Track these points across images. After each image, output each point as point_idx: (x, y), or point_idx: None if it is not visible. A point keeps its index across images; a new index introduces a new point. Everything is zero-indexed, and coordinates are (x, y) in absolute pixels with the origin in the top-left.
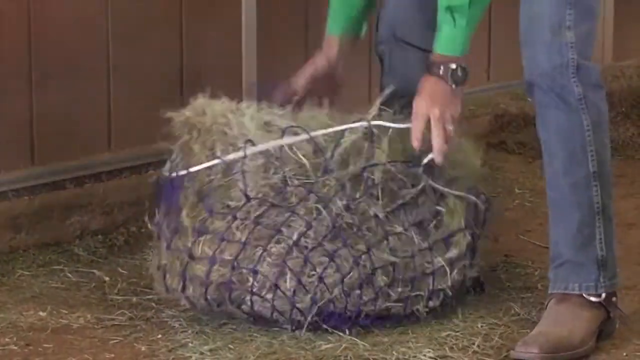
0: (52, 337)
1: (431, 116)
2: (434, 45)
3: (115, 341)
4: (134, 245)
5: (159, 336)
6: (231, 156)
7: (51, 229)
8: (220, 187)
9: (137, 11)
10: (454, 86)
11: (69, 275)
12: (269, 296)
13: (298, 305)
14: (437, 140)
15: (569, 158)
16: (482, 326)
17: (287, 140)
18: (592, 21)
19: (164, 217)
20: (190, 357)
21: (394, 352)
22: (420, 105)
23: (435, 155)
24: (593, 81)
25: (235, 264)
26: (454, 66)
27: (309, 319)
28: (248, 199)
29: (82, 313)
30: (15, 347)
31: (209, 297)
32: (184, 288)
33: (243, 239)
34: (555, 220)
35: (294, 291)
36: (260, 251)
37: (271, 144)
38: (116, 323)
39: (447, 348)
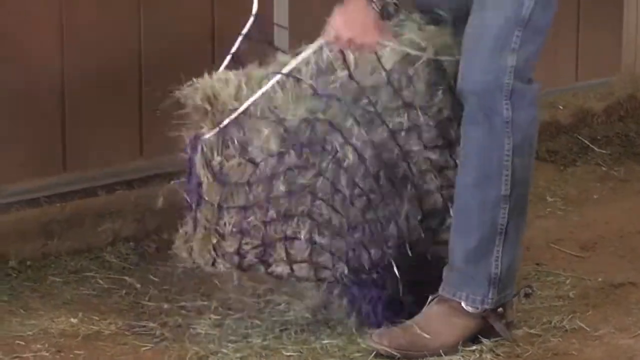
0: (84, 344)
1: (341, 40)
2: None
3: (146, 348)
4: (165, 253)
5: (190, 343)
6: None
7: (83, 235)
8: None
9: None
10: (371, 8)
11: (101, 282)
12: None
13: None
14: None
15: (482, 178)
16: (513, 333)
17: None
18: (540, 41)
19: (189, 186)
20: None
21: None
22: (336, 26)
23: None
24: (526, 103)
25: (263, 241)
26: (392, 1)
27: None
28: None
29: (114, 320)
30: (47, 354)
31: (243, 267)
32: (214, 262)
33: (266, 218)
34: (457, 230)
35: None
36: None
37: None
38: (147, 330)
39: (478, 354)
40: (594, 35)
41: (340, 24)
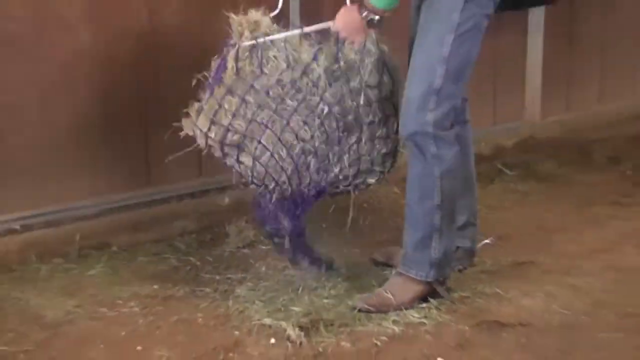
0: (162, 303)
1: (340, 35)
2: None
3: (203, 305)
4: (216, 241)
5: (233, 302)
6: (275, 36)
7: (161, 229)
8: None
9: None
10: (368, 27)
11: (173, 261)
12: (264, 159)
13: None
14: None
15: (422, 194)
16: (451, 296)
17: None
18: (453, 103)
19: (215, 73)
20: (254, 315)
21: (390, 314)
22: (337, 25)
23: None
24: (448, 143)
25: (248, 128)
26: (377, 17)
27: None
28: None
29: (182, 286)
30: (137, 309)
31: (226, 142)
32: (209, 129)
33: (251, 115)
34: (408, 229)
35: (286, 157)
36: (264, 128)
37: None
38: (205, 293)
39: (427, 310)
40: (506, 92)
41: (340, 24)
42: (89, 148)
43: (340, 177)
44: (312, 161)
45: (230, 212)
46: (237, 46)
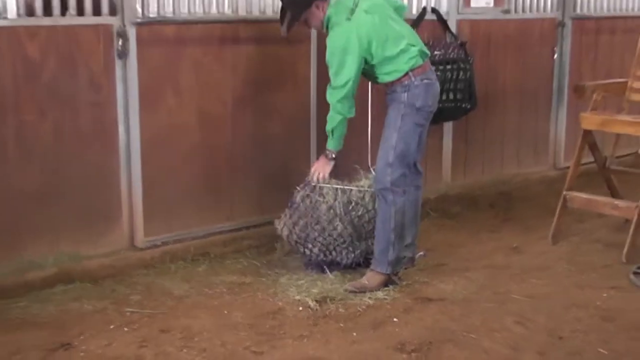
0: (238, 286)
1: (316, 171)
2: (328, 143)
3: (261, 288)
4: (269, 252)
5: (278, 286)
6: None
7: (238, 245)
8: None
9: None
10: (329, 161)
11: (245, 263)
12: (315, 250)
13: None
14: (314, 175)
15: (383, 222)
16: (400, 283)
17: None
18: (401, 171)
19: (293, 203)
20: (290, 294)
21: (367, 293)
22: (314, 167)
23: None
24: (400, 194)
25: (304, 235)
26: (331, 154)
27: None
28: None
29: (247, 276)
30: (224, 290)
31: (291, 241)
32: (281, 230)
33: (302, 223)
34: (376, 243)
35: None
36: (309, 236)
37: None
38: (262, 282)
39: (388, 291)
40: (431, 169)
41: (314, 167)
42: (197, 198)
43: (352, 258)
44: (333, 252)
45: (277, 235)
46: (304, 188)
